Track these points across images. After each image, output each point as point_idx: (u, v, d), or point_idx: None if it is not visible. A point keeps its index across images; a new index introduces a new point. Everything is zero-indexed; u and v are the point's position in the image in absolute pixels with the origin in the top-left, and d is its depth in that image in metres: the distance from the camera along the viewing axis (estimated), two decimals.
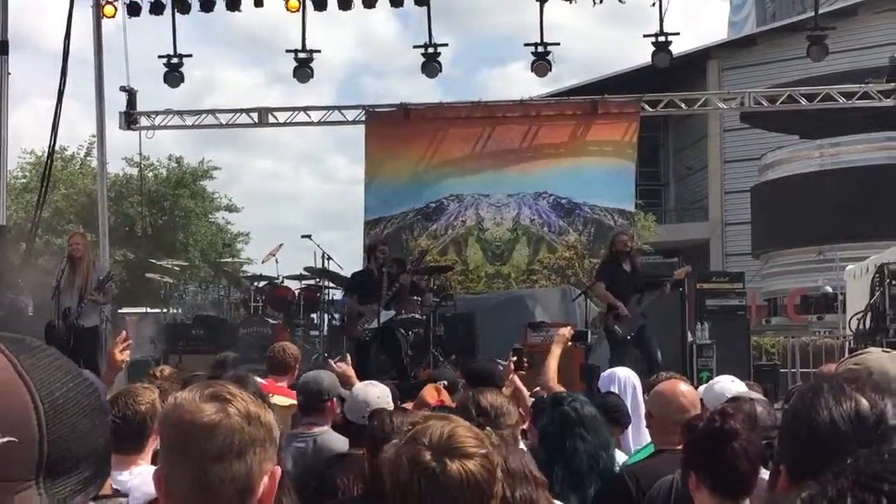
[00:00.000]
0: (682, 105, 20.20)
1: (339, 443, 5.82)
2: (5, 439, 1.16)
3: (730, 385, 5.61)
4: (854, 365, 2.66)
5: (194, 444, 2.17)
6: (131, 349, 7.15)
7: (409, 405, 6.02)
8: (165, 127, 20.48)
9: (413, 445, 2.53)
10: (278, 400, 7.13)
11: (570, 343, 7.95)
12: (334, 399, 6.23)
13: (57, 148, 22.85)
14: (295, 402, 6.80)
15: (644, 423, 6.83)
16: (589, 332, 15.43)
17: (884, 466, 1.20)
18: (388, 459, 2.59)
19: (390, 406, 5.45)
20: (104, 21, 19.27)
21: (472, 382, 6.62)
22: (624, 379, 7.27)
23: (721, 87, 40.42)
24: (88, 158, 36.28)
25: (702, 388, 5.98)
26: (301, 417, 6.38)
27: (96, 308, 13.76)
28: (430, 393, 5.90)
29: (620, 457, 5.73)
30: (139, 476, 4.32)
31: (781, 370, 19.10)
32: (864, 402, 2.14)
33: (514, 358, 7.03)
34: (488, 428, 2.84)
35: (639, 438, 6.64)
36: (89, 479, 1.25)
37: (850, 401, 2.15)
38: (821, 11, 18.90)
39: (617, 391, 7.02)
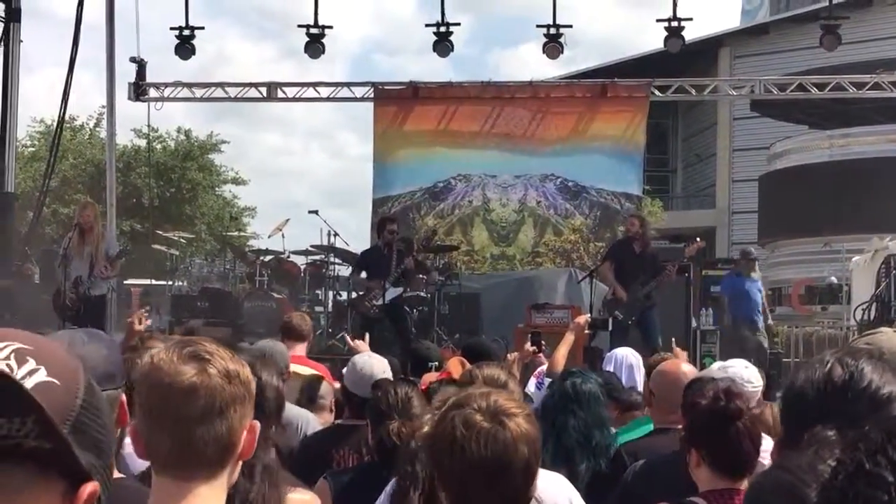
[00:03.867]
0: (692, 91, 20.14)
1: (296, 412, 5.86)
2: (52, 379, 1.24)
3: (743, 370, 5.61)
4: (865, 345, 2.66)
5: (175, 407, 2.16)
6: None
7: (433, 375, 6.02)
8: (174, 99, 20.48)
9: (463, 410, 2.54)
10: (297, 369, 7.13)
11: (586, 331, 7.95)
12: None
13: (66, 117, 22.90)
14: (314, 371, 6.87)
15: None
16: (611, 321, 15.48)
17: None
18: (432, 429, 2.59)
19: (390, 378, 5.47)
20: None
21: (468, 358, 6.61)
22: (621, 358, 7.32)
23: (732, 74, 40.25)
24: (97, 129, 36.28)
25: (715, 366, 5.97)
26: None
27: (106, 279, 13.83)
28: (454, 365, 5.93)
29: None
30: None
31: (784, 359, 19.08)
32: (838, 369, 2.14)
33: (532, 346, 7.05)
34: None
35: None
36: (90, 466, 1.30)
37: (825, 367, 2.16)
38: (835, 1, 18.87)
39: (620, 370, 7.07)
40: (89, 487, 1.25)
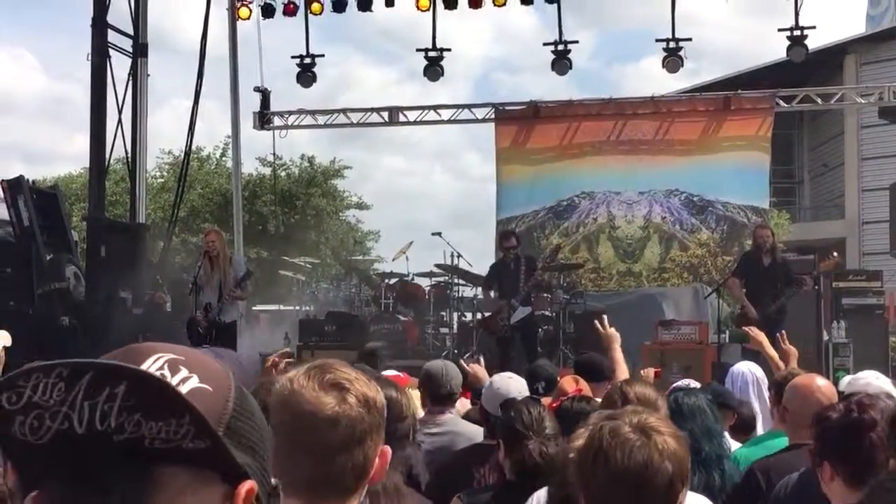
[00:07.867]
0: (819, 100, 19.80)
1: (467, 427, 5.94)
2: (205, 385, 1.29)
3: (874, 381, 5.48)
4: None
5: (317, 436, 2.19)
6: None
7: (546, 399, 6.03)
8: (298, 126, 20.80)
9: (614, 422, 2.55)
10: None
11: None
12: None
13: (193, 148, 23.42)
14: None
15: (766, 413, 6.76)
16: (728, 333, 15.36)
17: None
18: (584, 440, 2.58)
19: None
20: (239, 23, 19.66)
21: (580, 373, 6.65)
22: (741, 373, 7.21)
23: (859, 82, 39.42)
24: (224, 158, 36.97)
25: (845, 380, 5.87)
26: (429, 405, 6.45)
27: (236, 304, 14.07)
28: (568, 383, 5.90)
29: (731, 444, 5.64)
30: None
31: None
32: None
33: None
34: None
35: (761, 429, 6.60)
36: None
37: None
38: None
39: (735, 385, 6.99)
40: (247, 485, 1.28)
